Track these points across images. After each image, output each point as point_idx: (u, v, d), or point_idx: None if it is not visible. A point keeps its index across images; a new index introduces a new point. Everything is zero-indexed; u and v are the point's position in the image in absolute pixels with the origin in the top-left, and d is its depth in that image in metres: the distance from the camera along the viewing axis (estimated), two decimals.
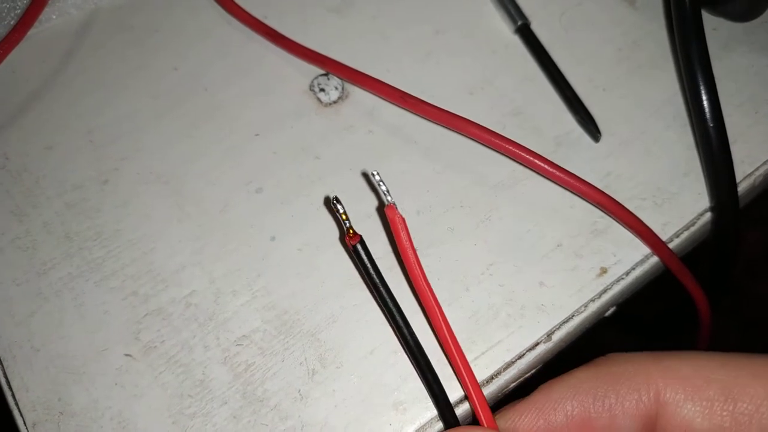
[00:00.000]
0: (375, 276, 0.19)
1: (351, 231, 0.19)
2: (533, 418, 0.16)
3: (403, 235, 0.18)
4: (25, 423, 0.20)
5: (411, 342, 0.19)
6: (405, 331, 0.19)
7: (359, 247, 0.19)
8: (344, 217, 0.18)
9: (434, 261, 0.22)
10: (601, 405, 0.16)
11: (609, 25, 0.28)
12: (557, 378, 0.17)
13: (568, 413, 0.16)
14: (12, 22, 0.28)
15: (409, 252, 0.18)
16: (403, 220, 0.18)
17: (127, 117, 0.27)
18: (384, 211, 0.19)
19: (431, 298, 0.18)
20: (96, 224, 0.24)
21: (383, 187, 0.18)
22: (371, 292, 0.21)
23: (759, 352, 0.16)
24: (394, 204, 0.18)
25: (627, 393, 0.16)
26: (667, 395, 0.16)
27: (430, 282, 0.18)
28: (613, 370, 0.16)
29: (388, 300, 0.19)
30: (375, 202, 0.24)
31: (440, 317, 0.18)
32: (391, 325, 0.20)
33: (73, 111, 0.27)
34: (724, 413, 0.15)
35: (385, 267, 0.22)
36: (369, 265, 0.19)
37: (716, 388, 0.15)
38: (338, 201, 0.18)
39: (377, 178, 0.18)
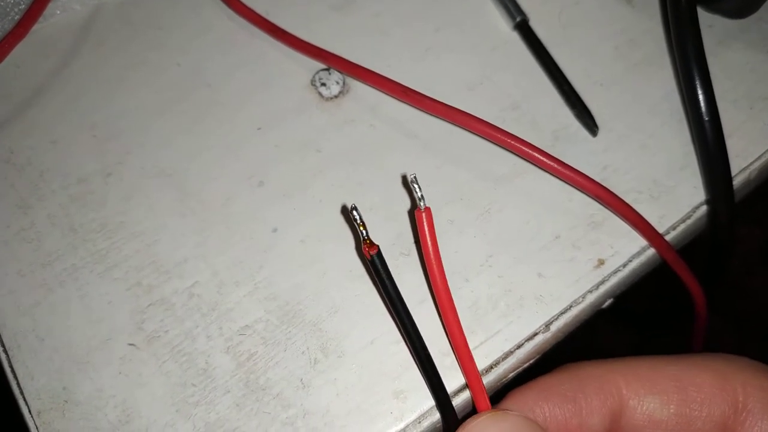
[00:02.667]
0: (390, 288, 0.19)
1: (368, 241, 0.18)
2: None
3: (431, 242, 0.18)
4: (30, 411, 0.21)
5: (423, 356, 0.19)
6: (418, 345, 0.19)
7: (376, 259, 0.18)
8: (362, 227, 0.18)
9: None
10: (572, 406, 0.17)
11: (607, 22, 0.29)
12: (525, 385, 0.18)
13: (547, 415, 0.17)
14: (16, 17, 0.28)
15: (434, 258, 0.18)
16: (433, 228, 0.18)
17: (130, 111, 0.27)
18: (415, 213, 0.19)
19: (446, 297, 0.19)
20: (100, 216, 0.24)
21: (418, 193, 0.18)
22: (384, 300, 0.21)
23: (754, 347, 0.17)
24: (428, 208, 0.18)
25: (593, 392, 0.17)
26: (629, 391, 0.17)
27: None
28: (578, 373, 0.18)
29: (403, 314, 0.19)
30: (377, 195, 0.24)
31: (451, 313, 0.19)
32: (404, 339, 0.20)
33: (77, 105, 0.27)
34: (678, 402, 0.17)
35: (396, 254, 0.23)
36: (385, 277, 0.19)
37: (669, 381, 0.17)
38: (356, 209, 0.18)
39: (412, 177, 0.18)
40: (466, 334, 0.20)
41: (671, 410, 0.17)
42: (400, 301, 0.19)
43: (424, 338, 0.19)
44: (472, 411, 0.20)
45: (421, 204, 0.18)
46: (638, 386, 0.17)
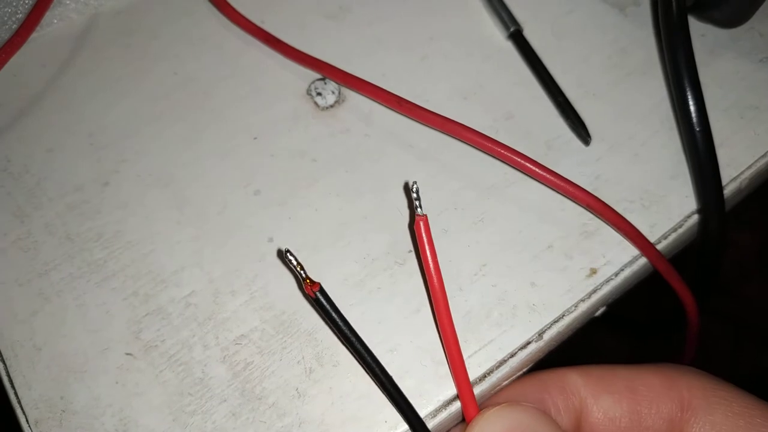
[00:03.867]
0: (339, 320, 0.19)
1: (309, 280, 0.19)
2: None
3: (428, 246, 0.19)
4: (27, 420, 0.21)
5: (382, 377, 0.20)
6: (377, 369, 0.20)
7: (320, 296, 0.19)
8: (300, 267, 0.19)
9: None
10: (540, 407, 0.19)
11: (599, 33, 0.29)
12: (495, 397, 0.20)
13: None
14: (14, 26, 0.29)
15: (431, 264, 0.19)
16: (430, 235, 0.19)
17: (127, 120, 0.27)
18: (416, 220, 0.20)
19: (443, 303, 0.19)
20: (97, 225, 0.25)
21: (417, 202, 0.19)
22: (335, 334, 0.21)
23: (749, 353, 0.18)
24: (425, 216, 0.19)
25: (556, 393, 0.19)
26: (586, 391, 0.19)
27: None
28: (540, 377, 0.20)
29: (356, 342, 0.20)
30: (372, 204, 0.24)
31: (447, 319, 0.19)
32: (361, 365, 0.21)
33: (73, 114, 0.27)
34: (630, 400, 0.18)
35: (391, 262, 0.23)
36: (332, 312, 0.19)
37: (622, 382, 0.19)
38: (290, 252, 0.19)
39: (414, 186, 0.19)
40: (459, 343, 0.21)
41: (624, 407, 0.19)
42: (351, 331, 0.20)
43: (386, 371, 0.20)
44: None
45: (419, 210, 0.19)
46: (594, 386, 0.19)
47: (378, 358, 0.20)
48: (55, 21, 0.30)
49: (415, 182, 0.19)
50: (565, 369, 0.20)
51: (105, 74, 0.28)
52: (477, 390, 0.21)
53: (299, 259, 0.19)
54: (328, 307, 0.19)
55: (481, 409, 0.19)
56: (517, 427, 0.18)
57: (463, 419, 0.20)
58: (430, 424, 0.20)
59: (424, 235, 0.19)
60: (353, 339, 0.20)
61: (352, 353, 0.21)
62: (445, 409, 0.20)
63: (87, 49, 0.29)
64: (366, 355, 0.20)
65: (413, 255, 0.23)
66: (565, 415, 0.19)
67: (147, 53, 0.29)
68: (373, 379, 0.20)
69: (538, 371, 0.20)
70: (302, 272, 0.19)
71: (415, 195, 0.19)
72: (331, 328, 0.21)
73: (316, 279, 0.23)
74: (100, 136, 0.27)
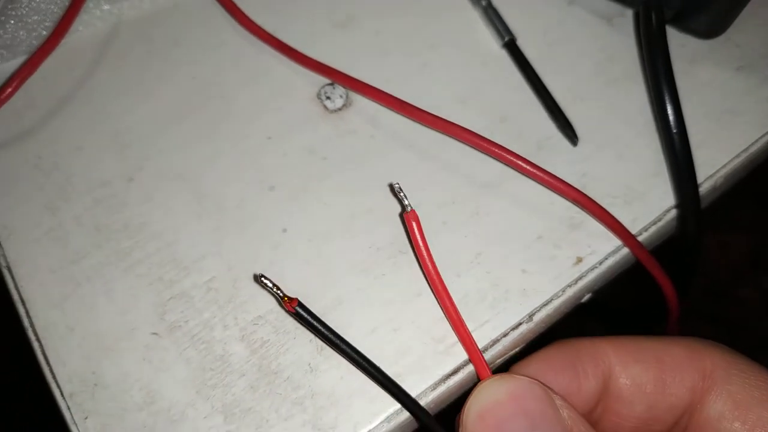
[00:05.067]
0: (324, 330, 0.21)
1: (287, 298, 0.21)
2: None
3: (420, 238, 0.22)
4: (62, 394, 0.23)
5: (372, 370, 0.22)
6: (365, 364, 0.21)
7: (299, 310, 0.21)
8: (276, 288, 0.21)
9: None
10: (571, 372, 0.20)
11: (588, 41, 0.31)
12: (527, 358, 0.21)
13: (550, 381, 0.20)
14: (44, 33, 0.31)
15: (424, 251, 0.22)
16: (420, 226, 0.22)
17: (150, 121, 0.29)
18: (404, 215, 0.22)
19: (439, 282, 0.22)
20: (123, 218, 0.27)
21: (405, 200, 0.22)
22: (321, 340, 0.23)
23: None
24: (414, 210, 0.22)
25: (587, 360, 0.20)
26: (616, 359, 0.20)
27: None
28: (574, 345, 0.21)
29: (341, 344, 0.21)
30: (376, 199, 0.26)
31: (446, 296, 0.22)
32: (351, 362, 0.22)
33: (100, 115, 0.29)
34: (656, 368, 0.20)
35: (395, 251, 0.25)
36: (315, 322, 0.21)
37: (650, 352, 0.20)
38: (265, 277, 0.21)
39: (397, 186, 0.22)
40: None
41: (650, 375, 0.20)
42: (337, 337, 0.21)
43: (374, 364, 0.22)
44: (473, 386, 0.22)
45: (408, 207, 0.22)
46: (624, 355, 0.20)
47: (365, 354, 0.22)
48: (81, 28, 0.32)
49: (397, 183, 0.22)
50: (598, 338, 0.21)
51: (128, 78, 0.30)
52: (472, 366, 0.23)
53: (273, 281, 0.21)
54: (309, 318, 0.21)
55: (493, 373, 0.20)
56: (509, 400, 0.18)
57: (479, 379, 0.22)
58: (430, 396, 0.22)
59: (415, 227, 0.21)
60: (338, 341, 0.21)
61: (340, 354, 0.22)
62: (444, 383, 0.22)
63: (111, 54, 0.31)
64: (352, 352, 0.21)
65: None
66: (593, 379, 0.20)
67: (168, 59, 0.31)
68: (365, 374, 0.22)
69: (571, 339, 0.21)
70: (279, 292, 0.21)
71: (402, 194, 0.22)
72: (315, 335, 0.23)
73: (325, 267, 0.25)
74: (125, 135, 0.29)
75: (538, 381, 0.19)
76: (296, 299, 0.21)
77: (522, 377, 0.19)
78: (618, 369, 0.20)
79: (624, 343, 0.20)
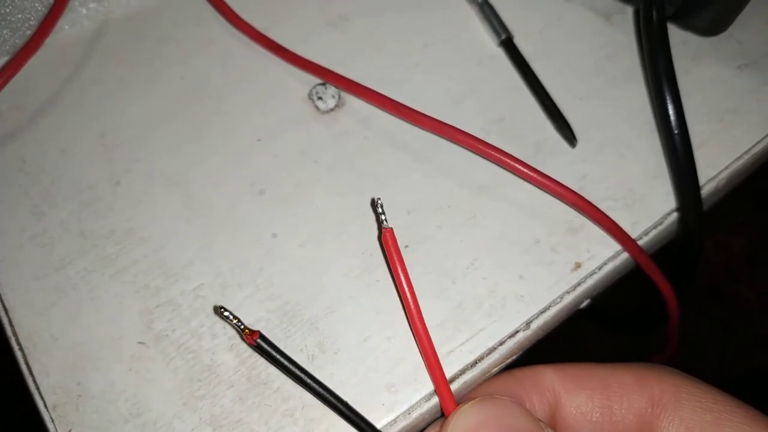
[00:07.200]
0: (286, 362, 0.21)
1: (248, 330, 0.21)
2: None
3: (396, 256, 0.21)
4: (45, 405, 0.22)
5: (337, 404, 0.21)
6: (333, 400, 0.21)
7: (261, 342, 0.21)
8: (236, 320, 0.21)
9: (424, 256, 0.24)
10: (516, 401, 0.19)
11: (586, 40, 0.30)
12: (472, 393, 0.21)
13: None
14: (28, 32, 0.30)
15: (400, 269, 0.21)
16: (397, 245, 0.21)
17: (137, 122, 0.28)
18: (383, 233, 0.21)
19: (415, 309, 0.21)
20: (109, 223, 0.26)
21: (383, 216, 0.21)
22: (286, 374, 0.22)
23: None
24: (392, 228, 0.21)
25: (531, 388, 0.20)
26: (560, 388, 0.20)
27: (421, 274, 0.21)
28: (515, 374, 0.20)
29: (307, 379, 0.21)
30: (369, 201, 0.26)
31: (420, 321, 0.21)
32: (315, 396, 0.21)
33: (85, 116, 0.29)
34: (602, 396, 0.19)
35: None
36: (276, 354, 0.21)
37: (595, 379, 0.20)
38: (225, 309, 0.21)
39: (380, 201, 0.21)
40: (451, 332, 0.22)
41: (596, 402, 0.19)
42: (298, 368, 0.21)
43: (339, 397, 0.21)
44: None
45: (385, 224, 0.21)
46: (568, 383, 0.20)
47: (328, 387, 0.21)
48: (66, 27, 0.31)
49: (379, 198, 0.22)
50: (541, 366, 0.21)
51: (115, 78, 0.30)
52: (468, 376, 0.22)
53: (234, 313, 0.21)
54: (272, 351, 0.21)
55: (458, 404, 0.20)
56: (492, 419, 0.18)
57: (442, 414, 0.21)
58: (424, 407, 0.22)
59: (391, 246, 0.21)
60: (302, 375, 0.21)
61: (304, 388, 0.21)
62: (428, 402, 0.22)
63: (98, 54, 0.30)
64: (316, 386, 0.21)
65: (409, 250, 0.25)
66: (539, 409, 0.20)
67: (156, 59, 0.30)
68: (330, 408, 0.21)
69: (514, 369, 0.21)
70: (240, 324, 0.21)
71: (380, 210, 0.21)
72: (280, 370, 0.22)
73: (317, 273, 0.24)
74: (111, 137, 0.28)
75: (514, 401, 0.19)
76: (258, 331, 0.21)
77: (503, 398, 0.19)
78: (564, 397, 0.20)
79: (569, 370, 0.20)
